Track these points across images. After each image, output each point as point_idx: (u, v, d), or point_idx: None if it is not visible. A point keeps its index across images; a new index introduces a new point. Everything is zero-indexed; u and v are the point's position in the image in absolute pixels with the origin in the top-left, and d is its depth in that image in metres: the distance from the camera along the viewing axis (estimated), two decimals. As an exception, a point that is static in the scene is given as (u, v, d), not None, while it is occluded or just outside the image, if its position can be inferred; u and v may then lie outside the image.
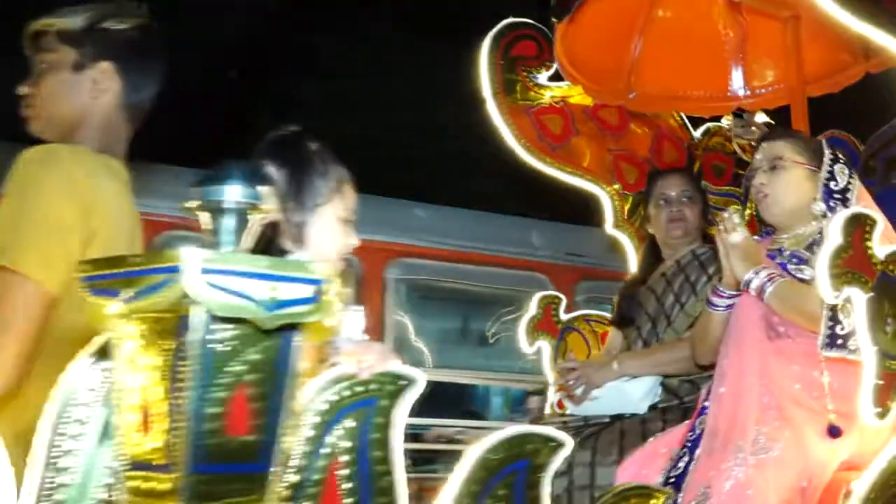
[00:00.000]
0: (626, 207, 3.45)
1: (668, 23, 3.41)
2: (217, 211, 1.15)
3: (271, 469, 1.11)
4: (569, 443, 1.53)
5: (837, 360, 2.04)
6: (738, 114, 3.51)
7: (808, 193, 2.32)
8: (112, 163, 1.85)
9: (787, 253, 2.32)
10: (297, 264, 1.09)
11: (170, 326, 1.03)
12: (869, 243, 2.03)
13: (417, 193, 5.92)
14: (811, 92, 3.27)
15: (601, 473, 2.46)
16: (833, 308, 2.01)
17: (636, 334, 2.90)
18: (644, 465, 2.26)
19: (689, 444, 2.20)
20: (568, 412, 2.83)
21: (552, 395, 3.12)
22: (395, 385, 1.41)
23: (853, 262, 2.00)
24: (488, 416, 6.11)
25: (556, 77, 3.38)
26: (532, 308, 3.32)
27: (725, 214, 2.27)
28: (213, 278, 1.01)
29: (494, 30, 3.31)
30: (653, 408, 2.69)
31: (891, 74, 2.92)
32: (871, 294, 2.00)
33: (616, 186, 3.44)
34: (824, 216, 2.27)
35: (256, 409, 1.07)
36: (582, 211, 3.94)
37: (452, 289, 5.60)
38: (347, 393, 1.38)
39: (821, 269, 1.98)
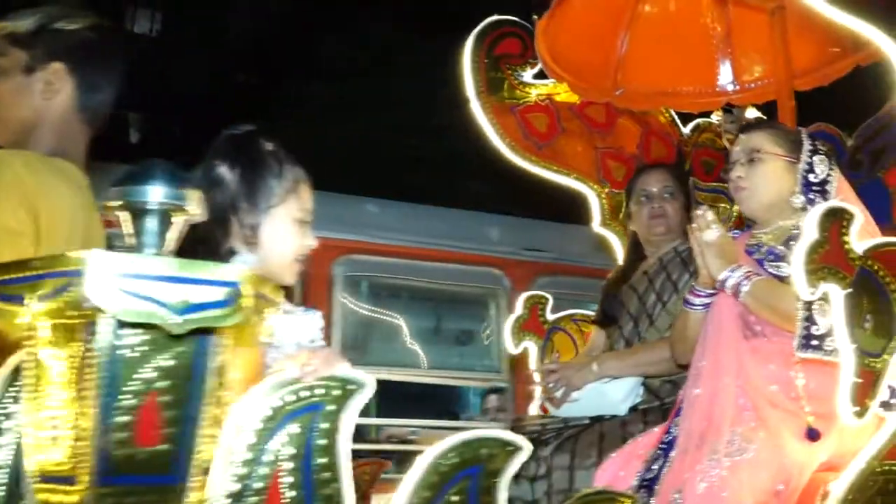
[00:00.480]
0: (623, 207, 3.39)
1: (655, 17, 3.34)
2: (139, 212, 1.11)
3: (186, 480, 1.07)
4: (526, 447, 1.49)
5: (814, 361, 1.98)
6: (728, 109, 3.46)
7: (787, 186, 2.27)
8: (66, 166, 1.81)
9: (765, 249, 2.27)
10: (209, 266, 1.04)
11: (76, 332, 0.99)
12: (846, 238, 1.97)
13: (418, 193, 5.85)
14: (800, 86, 3.20)
15: (580, 476, 2.41)
16: (808, 308, 1.96)
17: (618, 334, 2.84)
18: (622, 467, 2.21)
19: (664, 447, 2.14)
20: (550, 414, 2.78)
21: (538, 398, 3.07)
22: (342, 389, 1.38)
23: (830, 258, 1.94)
24: (444, 415, 5.95)
25: (542, 75, 3.32)
26: (518, 308, 3.27)
27: (699, 212, 2.22)
28: (120, 282, 0.97)
29: (477, 28, 3.26)
30: (633, 409, 2.63)
31: (880, 67, 2.86)
32: (850, 290, 1.94)
33: (606, 188, 3.38)
34: (804, 209, 2.22)
35: (169, 417, 1.03)
36: (568, 208, 3.88)
37: (405, 286, 5.48)
38: (292, 398, 1.34)
39: (796, 264, 1.93)
